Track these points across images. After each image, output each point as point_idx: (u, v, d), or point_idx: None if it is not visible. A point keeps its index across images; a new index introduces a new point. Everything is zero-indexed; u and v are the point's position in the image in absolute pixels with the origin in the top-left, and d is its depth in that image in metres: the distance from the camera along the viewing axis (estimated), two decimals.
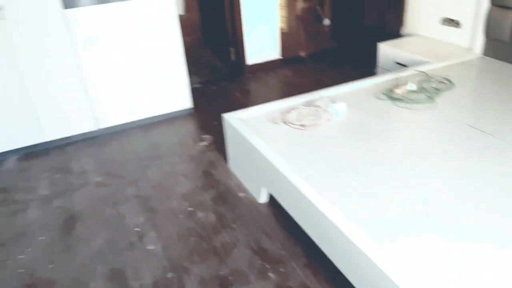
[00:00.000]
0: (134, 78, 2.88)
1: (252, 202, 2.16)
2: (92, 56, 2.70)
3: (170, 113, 3.12)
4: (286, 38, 4.21)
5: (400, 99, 2.34)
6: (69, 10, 2.52)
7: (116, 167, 2.55)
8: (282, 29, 4.06)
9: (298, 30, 5.38)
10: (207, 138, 2.83)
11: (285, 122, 2.18)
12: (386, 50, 3.21)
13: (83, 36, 2.62)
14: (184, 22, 4.14)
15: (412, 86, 2.44)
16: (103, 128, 2.92)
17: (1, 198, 2.32)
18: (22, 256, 1.90)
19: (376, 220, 1.47)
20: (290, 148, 1.98)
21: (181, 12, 4.79)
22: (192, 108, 3.20)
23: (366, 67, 3.61)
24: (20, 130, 2.68)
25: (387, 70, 3.14)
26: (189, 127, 3.00)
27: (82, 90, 2.75)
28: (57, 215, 2.16)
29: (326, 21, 5.34)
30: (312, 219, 1.62)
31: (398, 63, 3.07)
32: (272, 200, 2.09)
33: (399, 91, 2.41)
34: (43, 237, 2.01)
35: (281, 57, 4.04)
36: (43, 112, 2.69)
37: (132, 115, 2.98)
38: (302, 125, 2.13)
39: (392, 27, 3.65)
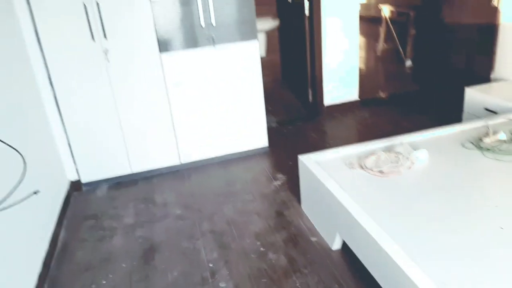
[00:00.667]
0: (216, 116, 3.04)
1: (324, 247, 2.11)
2: (180, 95, 2.91)
3: (247, 151, 3.22)
4: (365, 79, 4.19)
5: (489, 149, 2.18)
6: (164, 54, 2.78)
7: (195, 201, 2.67)
8: (361, 69, 4.05)
9: (378, 71, 5.33)
10: (281, 177, 2.86)
11: (362, 168, 2.14)
12: (474, 95, 3.04)
13: (174, 77, 2.85)
14: (265, 63, 4.33)
15: (503, 136, 2.27)
16: (185, 163, 3.10)
17: (92, 224, 2.53)
18: (105, 282, 2.04)
19: (457, 279, 1.36)
20: (367, 195, 1.93)
21: (263, 54, 5.00)
22: (268, 147, 3.27)
23: (451, 112, 3.44)
24: (113, 161, 2.94)
25: (475, 117, 2.96)
26: (264, 166, 3.06)
27: (170, 126, 2.96)
28: (139, 244, 2.30)
29: (408, 62, 5.23)
30: (387, 271, 1.55)
31: (487, 110, 2.89)
32: (345, 246, 2.03)
33: (488, 141, 2.26)
34: (125, 265, 2.14)
35: (359, 98, 4.00)
36: (134, 145, 2.93)
37: (211, 152, 3.13)
38: (381, 172, 2.07)
39: (481, 71, 3.46)
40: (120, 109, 2.82)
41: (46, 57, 2.57)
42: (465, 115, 3.12)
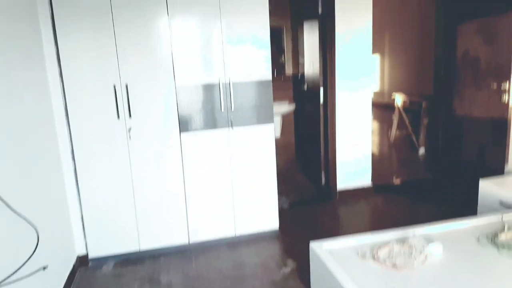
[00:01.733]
0: (228, 196, 3.07)
1: None
2: (195, 174, 2.97)
3: (257, 233, 3.18)
4: (378, 165, 4.24)
5: (504, 247, 2.12)
6: (183, 134, 2.89)
7: (200, 283, 2.60)
8: (374, 155, 4.10)
9: (391, 157, 5.39)
10: (291, 263, 2.79)
11: (375, 259, 2.08)
12: (488, 187, 3.02)
13: (191, 155, 2.94)
14: (279, 144, 4.45)
15: None
16: (194, 243, 3.06)
17: None
18: None
19: None
20: None
21: (278, 135, 5.14)
22: (279, 229, 3.24)
23: (465, 204, 3.40)
24: (123, 238, 2.93)
25: (490, 210, 2.91)
26: (274, 250, 3.00)
27: (183, 205, 2.99)
28: None
29: (421, 150, 5.29)
30: None
31: (503, 204, 2.85)
32: None
33: (503, 237, 2.20)
34: None
35: (372, 184, 4.01)
36: (145, 222, 2.94)
37: (221, 232, 3.11)
38: (394, 265, 2.01)
39: (494, 163, 3.48)
40: (136, 185, 2.88)
41: (72, 132, 2.70)
42: (480, 207, 3.08)
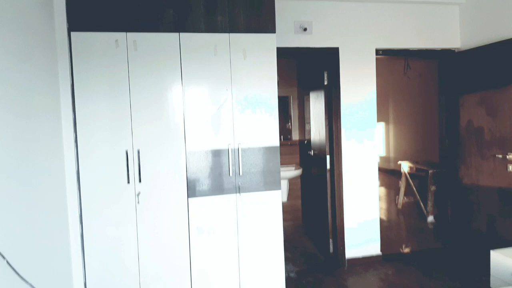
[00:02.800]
0: (234, 263, 3.01)
1: None
2: (200, 239, 2.95)
3: None
4: (387, 233, 4.16)
5: None
6: (191, 199, 2.92)
7: None
8: (382, 222, 4.05)
9: (400, 225, 5.30)
10: None
11: None
12: (500, 259, 2.94)
13: (198, 221, 2.94)
14: (286, 208, 4.43)
15: None
16: None
17: None
18: None
19: None
20: None
21: (285, 199, 5.13)
22: None
23: (476, 274, 3.31)
24: None
25: (503, 282, 2.82)
26: None
27: (187, 272, 2.93)
28: None
29: (430, 218, 5.21)
30: None
31: None
32: None
33: None
34: None
35: (381, 253, 3.92)
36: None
37: None
38: None
39: (504, 233, 3.41)
40: (141, 251, 2.85)
41: (82, 195, 2.74)
42: (492, 279, 2.98)
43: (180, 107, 2.87)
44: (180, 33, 2.86)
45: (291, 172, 5.18)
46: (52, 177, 2.49)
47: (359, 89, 3.83)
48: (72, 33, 2.70)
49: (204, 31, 2.89)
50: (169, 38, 2.84)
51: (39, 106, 2.31)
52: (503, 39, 3.46)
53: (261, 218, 3.06)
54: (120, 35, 2.75)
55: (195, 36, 2.88)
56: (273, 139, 3.07)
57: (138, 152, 2.80)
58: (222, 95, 2.94)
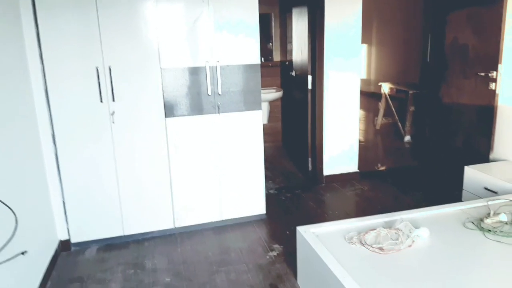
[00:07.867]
0: (215, 181, 3.03)
1: None
2: (180, 159, 2.92)
3: (244, 217, 3.16)
4: (365, 152, 4.24)
5: (490, 230, 2.14)
6: (169, 119, 2.83)
7: (186, 268, 2.57)
8: (361, 142, 4.10)
9: (377, 144, 5.41)
10: (277, 248, 2.78)
11: (362, 243, 2.08)
12: (474, 174, 3.05)
13: (176, 141, 2.88)
14: (267, 130, 4.41)
15: (504, 217, 2.24)
16: (179, 227, 3.03)
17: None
18: None
19: None
20: (366, 272, 1.86)
21: (265, 121, 5.10)
22: (265, 214, 3.22)
23: (450, 190, 3.44)
24: (106, 222, 2.87)
25: (475, 196, 2.95)
26: (260, 234, 2.99)
27: (168, 189, 2.94)
28: None
29: (407, 138, 5.32)
30: None
31: (487, 189, 2.88)
32: None
33: (489, 221, 2.22)
34: None
35: (358, 170, 4.02)
36: (129, 207, 2.89)
37: (207, 217, 3.07)
38: (380, 249, 2.01)
39: (479, 150, 3.50)
40: (119, 170, 2.81)
41: (53, 115, 2.62)
42: (464, 193, 3.11)
43: (153, 24, 2.66)
44: None
45: (272, 94, 5.08)
46: (18, 96, 2.34)
47: (344, 6, 3.62)
48: None
49: None
50: None
51: None
52: None
53: (241, 138, 3.03)
54: None
55: None
56: (254, 57, 2.92)
57: (110, 69, 2.63)
58: (197, 7, 2.73)
